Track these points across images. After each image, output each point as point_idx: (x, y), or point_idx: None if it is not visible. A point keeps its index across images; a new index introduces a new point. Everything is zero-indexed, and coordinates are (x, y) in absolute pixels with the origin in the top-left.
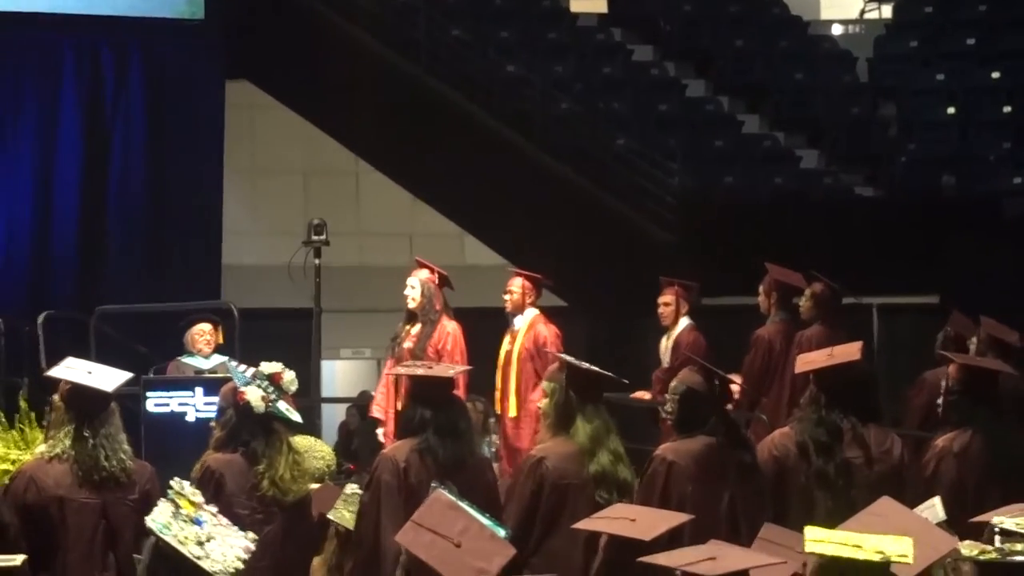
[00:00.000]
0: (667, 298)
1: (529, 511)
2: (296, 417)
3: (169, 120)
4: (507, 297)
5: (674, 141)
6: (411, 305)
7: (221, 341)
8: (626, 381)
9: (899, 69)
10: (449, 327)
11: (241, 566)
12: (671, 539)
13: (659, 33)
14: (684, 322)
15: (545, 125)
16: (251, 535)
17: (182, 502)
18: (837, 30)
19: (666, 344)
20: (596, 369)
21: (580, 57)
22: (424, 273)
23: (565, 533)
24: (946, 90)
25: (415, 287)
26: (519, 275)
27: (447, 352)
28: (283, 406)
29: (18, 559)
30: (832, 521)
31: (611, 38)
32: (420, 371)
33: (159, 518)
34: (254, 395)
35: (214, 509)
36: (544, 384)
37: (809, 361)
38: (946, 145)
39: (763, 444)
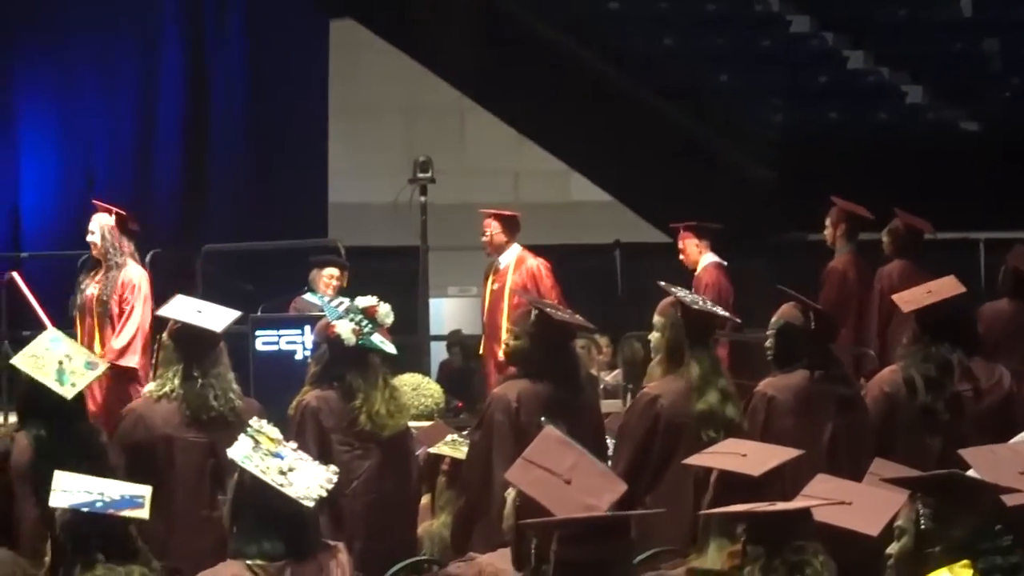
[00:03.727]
0: (681, 244)
1: (643, 449)
2: (391, 349)
3: (272, 58)
4: (484, 239)
5: (777, 77)
6: (93, 251)
7: (345, 285)
8: (737, 320)
9: (1002, 3)
10: (133, 273)
11: (324, 494)
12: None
13: None
14: (707, 260)
15: (648, 62)
16: (332, 468)
17: (261, 439)
18: None
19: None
20: (709, 307)
21: None
22: (104, 217)
23: (679, 471)
24: None
25: (94, 232)
26: (489, 216)
27: (127, 300)
28: (377, 339)
29: (144, 503)
30: (944, 457)
31: None
32: (562, 314)
33: (240, 450)
34: (344, 328)
35: (294, 445)
36: (655, 319)
37: (909, 300)
38: None
39: (874, 381)
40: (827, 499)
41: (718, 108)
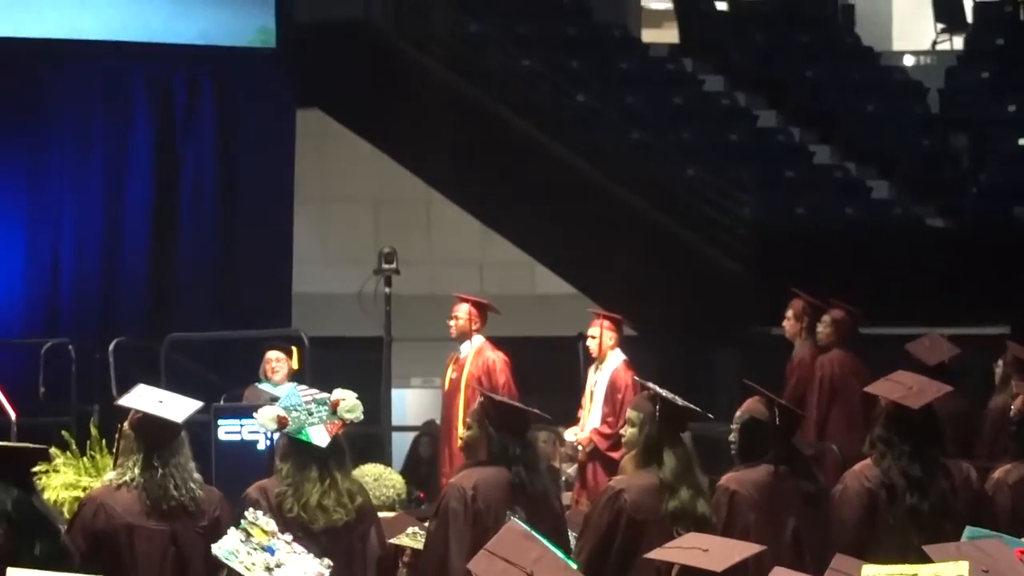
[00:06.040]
0: (593, 331)
1: (604, 543)
2: (320, 442)
3: (240, 149)
4: (452, 323)
5: (745, 171)
6: None
7: (296, 368)
8: (711, 415)
9: (970, 100)
10: None
11: None
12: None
13: (729, 63)
14: (617, 357)
15: (616, 155)
16: (327, 562)
17: (255, 531)
18: (909, 61)
19: (594, 377)
20: (686, 403)
21: (651, 87)
22: None
23: (640, 568)
24: (1018, 121)
25: None
26: (464, 300)
27: None
28: (315, 431)
29: None
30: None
31: (682, 68)
32: (517, 404)
33: (226, 545)
34: (264, 415)
35: (288, 538)
36: (630, 413)
37: (905, 395)
38: (1018, 176)
39: (852, 475)
40: None
41: (686, 202)
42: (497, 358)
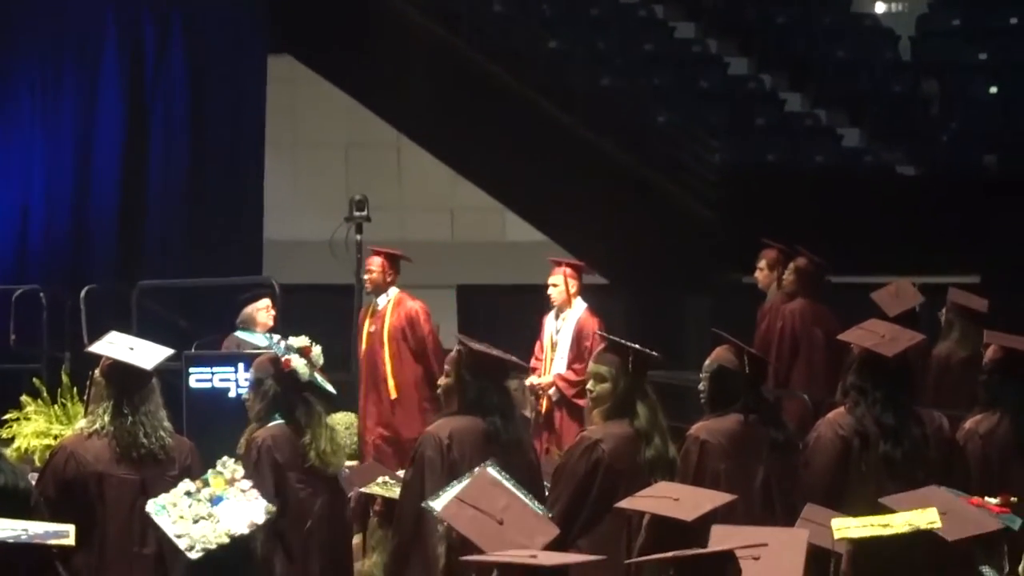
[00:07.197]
0: (555, 279)
1: (581, 493)
2: (331, 389)
3: (211, 93)
4: (366, 276)
5: (716, 118)
6: None
7: None
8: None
9: (941, 46)
10: None
11: (225, 541)
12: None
13: (701, 9)
14: (580, 305)
15: (587, 101)
16: (269, 507)
17: (216, 481)
18: (880, 7)
19: (556, 325)
20: (649, 351)
21: (622, 32)
22: None
23: (615, 517)
24: (988, 68)
25: None
26: (377, 253)
27: None
28: (319, 378)
29: (69, 533)
30: None
31: (653, 14)
32: (495, 352)
33: (162, 500)
34: (299, 363)
35: (247, 485)
36: (597, 368)
37: (879, 344)
38: (988, 123)
39: (826, 423)
40: (745, 543)
41: (656, 148)
42: (418, 307)
